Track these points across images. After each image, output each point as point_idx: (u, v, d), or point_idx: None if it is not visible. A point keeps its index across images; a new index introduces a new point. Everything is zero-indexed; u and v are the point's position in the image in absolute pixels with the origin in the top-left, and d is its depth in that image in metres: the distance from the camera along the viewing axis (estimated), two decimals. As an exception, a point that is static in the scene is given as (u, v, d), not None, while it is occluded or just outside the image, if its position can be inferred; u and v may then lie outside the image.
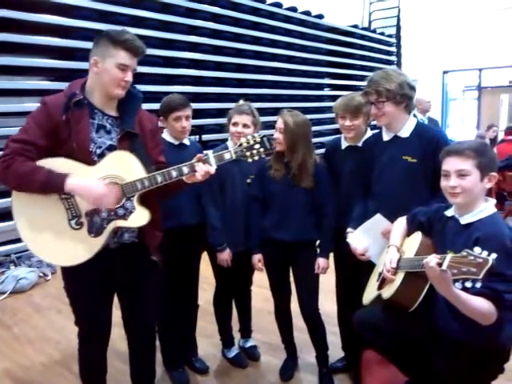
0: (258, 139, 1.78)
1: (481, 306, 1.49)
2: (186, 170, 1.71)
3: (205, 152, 1.79)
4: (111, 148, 1.74)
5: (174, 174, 1.70)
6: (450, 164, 1.67)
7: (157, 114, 2.39)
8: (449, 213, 1.75)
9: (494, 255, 1.32)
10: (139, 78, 5.42)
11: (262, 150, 1.78)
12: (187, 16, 6.11)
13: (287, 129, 2.25)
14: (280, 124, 2.28)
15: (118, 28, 1.77)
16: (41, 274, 4.03)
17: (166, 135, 2.38)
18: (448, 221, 1.75)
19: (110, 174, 1.69)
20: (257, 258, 2.41)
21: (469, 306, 1.49)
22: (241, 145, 1.77)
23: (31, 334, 3.10)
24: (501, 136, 7.09)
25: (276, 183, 2.31)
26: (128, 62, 1.69)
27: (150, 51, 5.49)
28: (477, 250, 1.36)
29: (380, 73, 2.06)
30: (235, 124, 2.37)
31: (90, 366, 1.99)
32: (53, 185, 1.63)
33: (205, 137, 5.91)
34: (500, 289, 1.48)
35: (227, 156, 1.75)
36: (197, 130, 5.87)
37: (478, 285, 1.35)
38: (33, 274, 3.95)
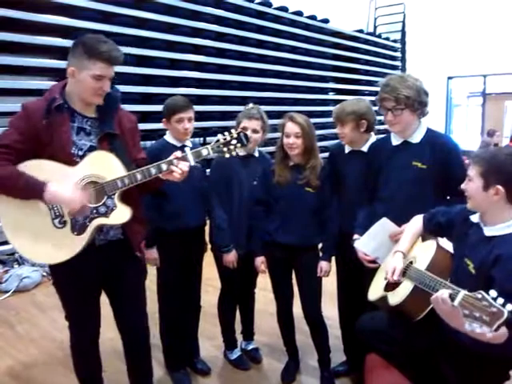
0: (235, 135, 1.80)
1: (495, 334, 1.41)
2: (164, 166, 1.74)
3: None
4: (92, 149, 1.77)
5: (153, 171, 1.74)
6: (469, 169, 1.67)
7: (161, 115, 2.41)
8: (474, 218, 1.71)
9: (509, 306, 1.24)
10: (145, 79, 5.43)
11: (238, 145, 1.80)
12: (191, 18, 6.13)
13: (304, 132, 2.24)
14: (295, 128, 2.25)
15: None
16: (44, 274, 4.03)
17: (168, 137, 2.39)
18: (472, 226, 1.70)
19: (90, 173, 1.72)
20: (260, 261, 2.41)
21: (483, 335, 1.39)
22: (218, 141, 1.80)
23: (34, 332, 3.11)
24: (505, 142, 7.09)
25: (281, 188, 2.32)
26: (104, 72, 1.69)
27: (155, 53, 5.59)
28: (492, 293, 1.29)
29: (396, 78, 2.01)
30: (244, 129, 2.37)
31: (82, 361, 2.01)
32: (31, 194, 1.67)
33: (209, 139, 5.92)
34: None
35: (204, 152, 1.78)
36: (201, 133, 5.89)
37: (490, 335, 1.26)
38: (36, 273, 3.97)
